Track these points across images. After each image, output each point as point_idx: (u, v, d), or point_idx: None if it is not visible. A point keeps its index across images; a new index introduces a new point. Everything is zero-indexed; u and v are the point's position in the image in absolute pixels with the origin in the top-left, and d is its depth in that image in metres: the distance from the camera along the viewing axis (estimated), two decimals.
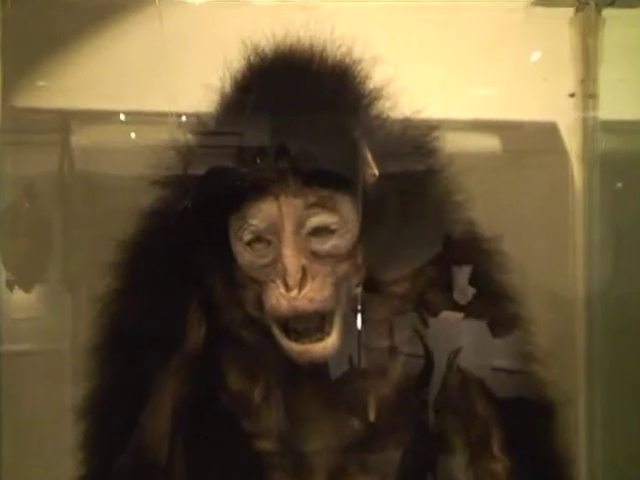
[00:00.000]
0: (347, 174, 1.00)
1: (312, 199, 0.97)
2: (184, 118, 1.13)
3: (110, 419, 1.07)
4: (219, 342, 1.07)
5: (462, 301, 1.09)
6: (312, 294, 0.97)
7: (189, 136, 1.06)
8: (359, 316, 1.05)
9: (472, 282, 1.08)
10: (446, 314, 1.09)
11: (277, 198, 0.97)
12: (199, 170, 1.02)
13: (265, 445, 1.07)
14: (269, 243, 0.99)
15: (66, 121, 1.35)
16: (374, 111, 1.08)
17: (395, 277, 1.07)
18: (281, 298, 0.97)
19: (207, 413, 1.07)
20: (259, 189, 0.97)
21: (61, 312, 1.40)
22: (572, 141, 1.54)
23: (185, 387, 1.06)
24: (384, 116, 1.08)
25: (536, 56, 1.47)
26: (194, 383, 1.06)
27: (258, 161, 0.97)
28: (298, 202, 0.97)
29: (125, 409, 1.05)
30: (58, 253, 1.37)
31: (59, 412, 1.26)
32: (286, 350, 1.00)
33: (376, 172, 1.03)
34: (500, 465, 1.07)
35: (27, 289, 1.41)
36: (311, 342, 0.99)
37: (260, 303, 1.00)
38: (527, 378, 1.12)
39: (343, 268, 1.00)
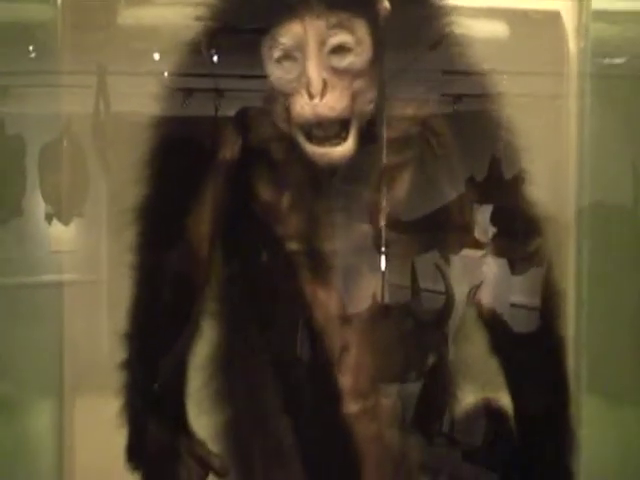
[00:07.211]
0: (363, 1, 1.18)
1: (333, 20, 1.14)
2: None
3: (160, 220, 1.25)
4: (251, 158, 1.25)
5: (483, 238, 1.25)
6: (332, 103, 1.14)
7: None
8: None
9: None
10: None
11: (303, 19, 1.14)
12: None
13: (293, 246, 1.25)
14: (295, 60, 1.16)
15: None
16: None
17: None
18: (305, 106, 1.14)
19: (242, 220, 1.26)
20: (288, 11, 1.14)
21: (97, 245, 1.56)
22: (569, 26, 1.69)
23: (223, 195, 1.24)
24: None
25: None
26: (230, 192, 1.24)
27: None
28: (321, 23, 1.14)
29: (172, 213, 1.24)
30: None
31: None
32: (309, 154, 1.17)
33: (388, 6, 1.20)
34: None
35: (66, 222, 1.54)
36: (331, 145, 1.16)
37: (288, 114, 1.17)
38: None
39: (358, 84, 1.17)
